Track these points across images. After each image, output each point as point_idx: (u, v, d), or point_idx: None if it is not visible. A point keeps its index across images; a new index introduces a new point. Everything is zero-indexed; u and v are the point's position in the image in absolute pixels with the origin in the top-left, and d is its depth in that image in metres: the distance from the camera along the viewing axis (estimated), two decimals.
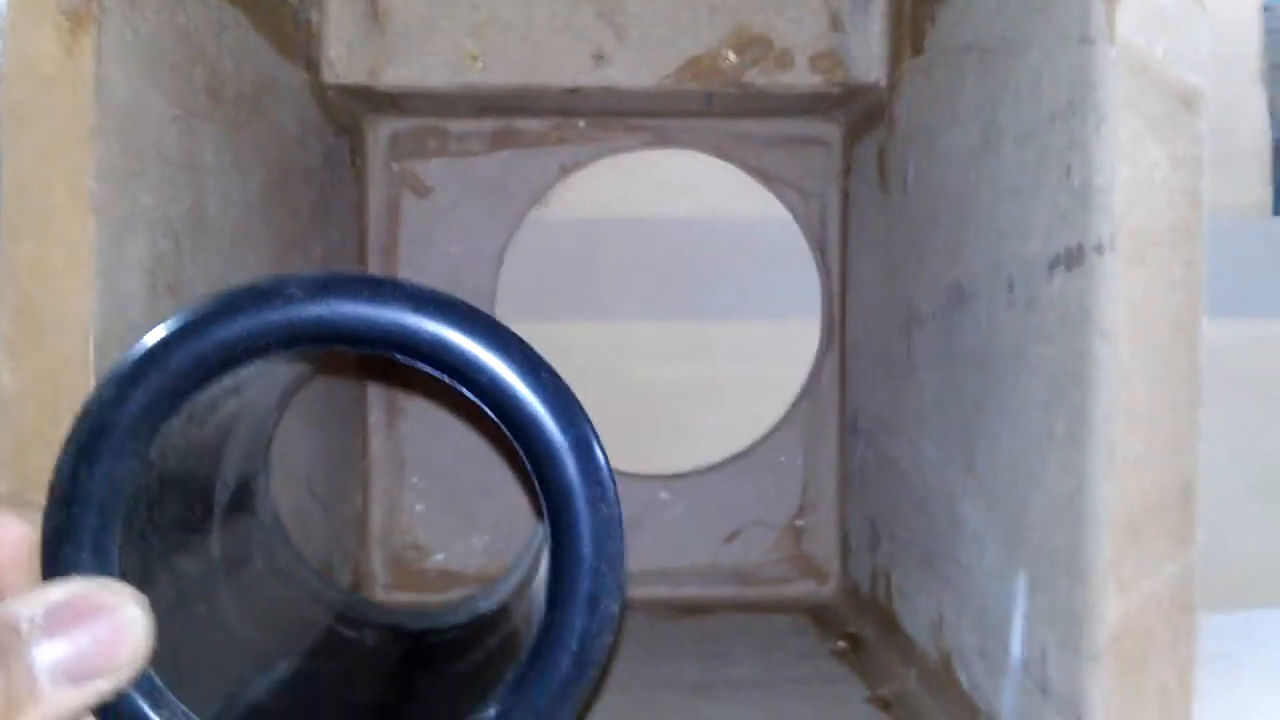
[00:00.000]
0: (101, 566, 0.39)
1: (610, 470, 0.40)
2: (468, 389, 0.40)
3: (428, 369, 0.40)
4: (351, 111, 0.84)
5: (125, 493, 0.39)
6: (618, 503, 0.40)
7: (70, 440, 0.39)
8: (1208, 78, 0.44)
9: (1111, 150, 0.44)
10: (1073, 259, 0.46)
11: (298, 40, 0.74)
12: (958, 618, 0.61)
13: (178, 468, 0.43)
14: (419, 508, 0.91)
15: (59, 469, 0.39)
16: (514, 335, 0.40)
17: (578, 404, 0.40)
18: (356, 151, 0.87)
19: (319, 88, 0.77)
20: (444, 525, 0.91)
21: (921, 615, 0.67)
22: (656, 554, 0.90)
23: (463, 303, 0.40)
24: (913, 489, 0.69)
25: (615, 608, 0.40)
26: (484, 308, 0.89)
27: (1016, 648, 0.52)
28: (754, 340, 0.90)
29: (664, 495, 0.90)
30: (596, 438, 0.40)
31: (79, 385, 0.46)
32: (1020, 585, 0.52)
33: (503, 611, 0.56)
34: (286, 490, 0.72)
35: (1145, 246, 0.43)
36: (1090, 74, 0.45)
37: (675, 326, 0.90)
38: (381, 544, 0.91)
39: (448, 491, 0.91)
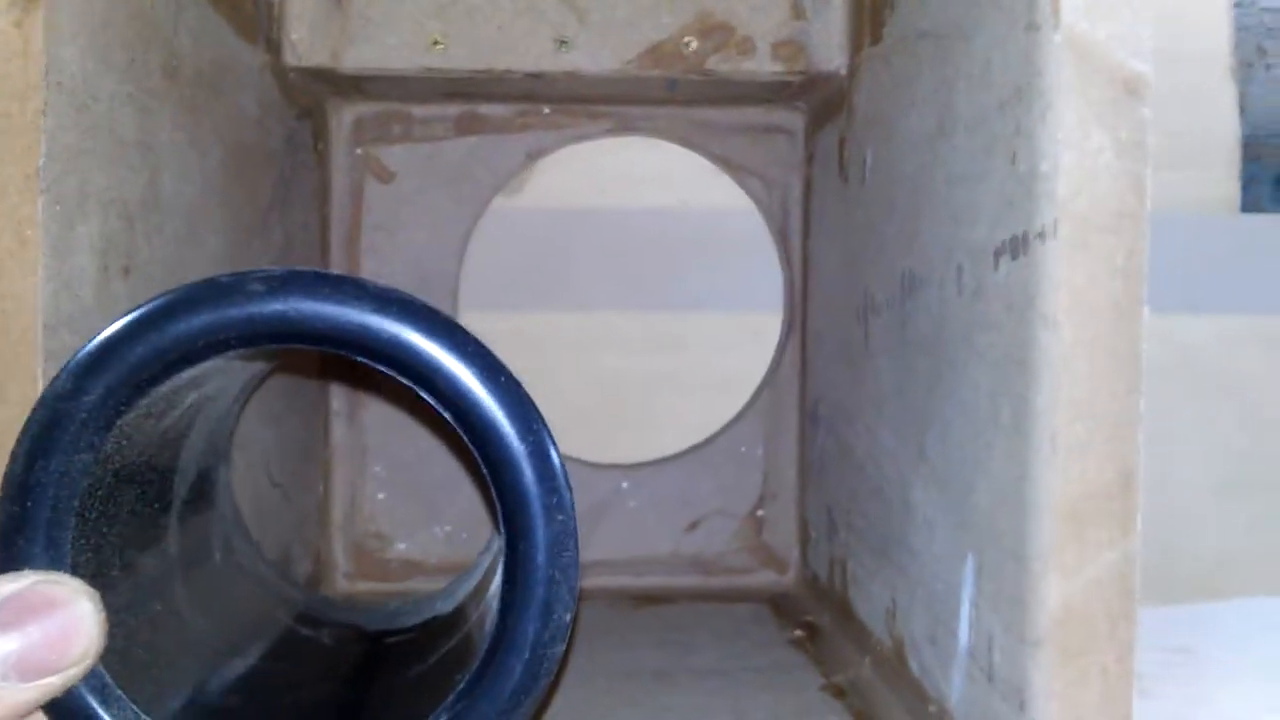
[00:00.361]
0: (55, 560, 0.39)
1: (567, 478, 0.40)
2: (426, 392, 0.40)
3: (387, 371, 0.40)
4: (314, 94, 0.84)
5: (80, 486, 0.39)
6: (573, 511, 0.40)
7: (25, 432, 0.39)
8: (1151, 64, 0.44)
9: (1055, 137, 0.44)
10: (1018, 246, 0.47)
11: (258, 21, 0.73)
12: (909, 604, 0.61)
13: (134, 460, 0.43)
14: (381, 496, 0.91)
15: (13, 461, 0.39)
16: (474, 339, 0.40)
17: (535, 410, 0.40)
18: (319, 135, 0.87)
19: (280, 69, 0.77)
20: (406, 514, 0.91)
21: (876, 602, 0.67)
22: (618, 543, 0.90)
23: (424, 304, 0.40)
24: (869, 476, 0.69)
25: (568, 617, 0.40)
26: (448, 296, 0.90)
27: (964, 634, 0.53)
28: (718, 331, 0.90)
29: (625, 485, 0.91)
30: (554, 445, 0.40)
31: (27, 366, 0.46)
32: (968, 570, 0.52)
33: (459, 614, 0.56)
34: (246, 478, 0.72)
35: (1088, 233, 0.44)
36: (1036, 60, 0.45)
37: (639, 317, 0.90)
38: (343, 532, 0.90)
39: (410, 480, 0.91)
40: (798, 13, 0.78)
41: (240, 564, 0.57)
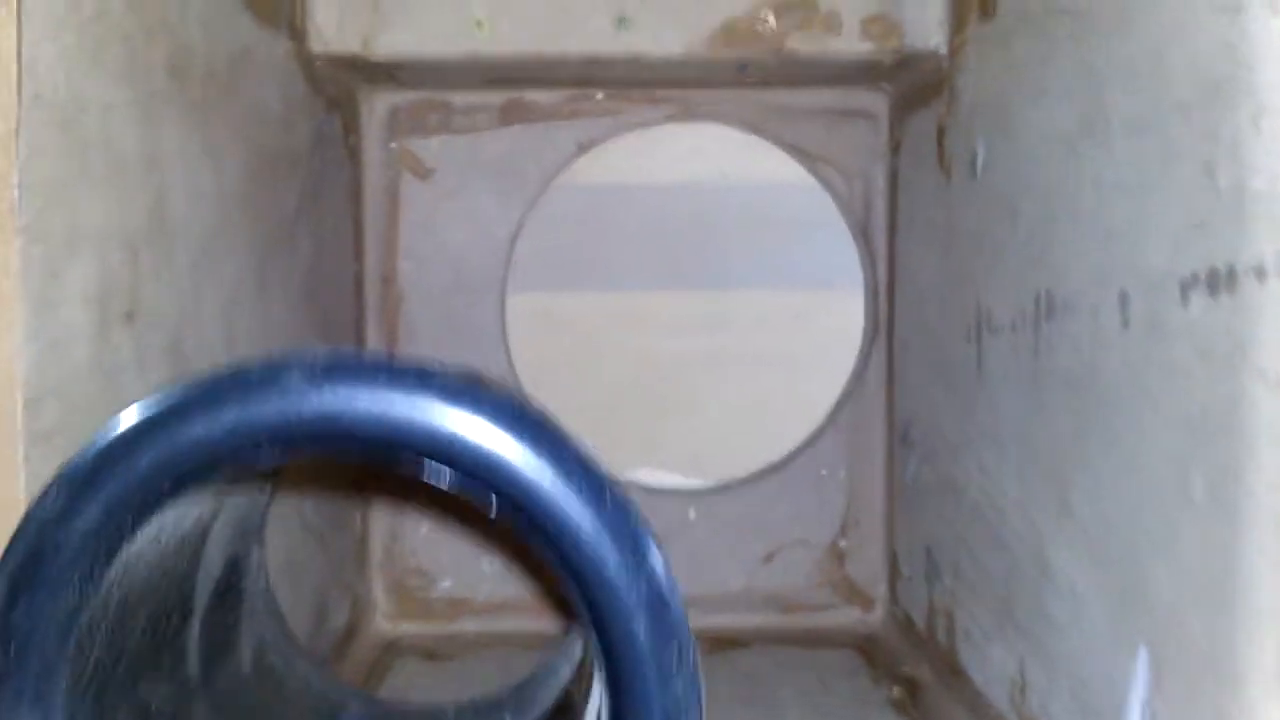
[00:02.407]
0: (45, 717, 0.31)
1: (689, 630, 0.32)
2: (510, 513, 0.31)
3: (458, 485, 0.32)
4: (343, 84, 0.75)
5: (76, 625, 0.31)
6: (697, 669, 0.32)
7: (6, 563, 0.31)
8: None
9: (1275, 148, 0.35)
10: (1218, 281, 0.38)
11: (279, 5, 0.65)
12: (1046, 683, 0.52)
13: (146, 577, 0.35)
14: (423, 530, 0.82)
15: None
16: (576, 447, 0.31)
17: (651, 541, 0.31)
18: (350, 129, 0.78)
19: (305, 58, 0.68)
20: (450, 549, 0.82)
21: (996, 668, 0.59)
22: (686, 578, 0.80)
23: (510, 398, 0.32)
24: (985, 520, 0.60)
25: None
26: (494, 301, 0.81)
27: None
28: (788, 329, 0.81)
29: (692, 514, 0.82)
30: (675, 588, 0.32)
31: (5, 449, 0.37)
32: (1139, 667, 0.43)
33: None
34: (277, 530, 0.63)
35: None
36: (1241, 51, 0.36)
37: (699, 304, 0.81)
38: (383, 571, 0.82)
39: (454, 512, 0.82)
40: None
41: (275, 670, 0.49)
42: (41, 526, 0.31)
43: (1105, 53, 0.46)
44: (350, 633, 0.78)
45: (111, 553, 0.31)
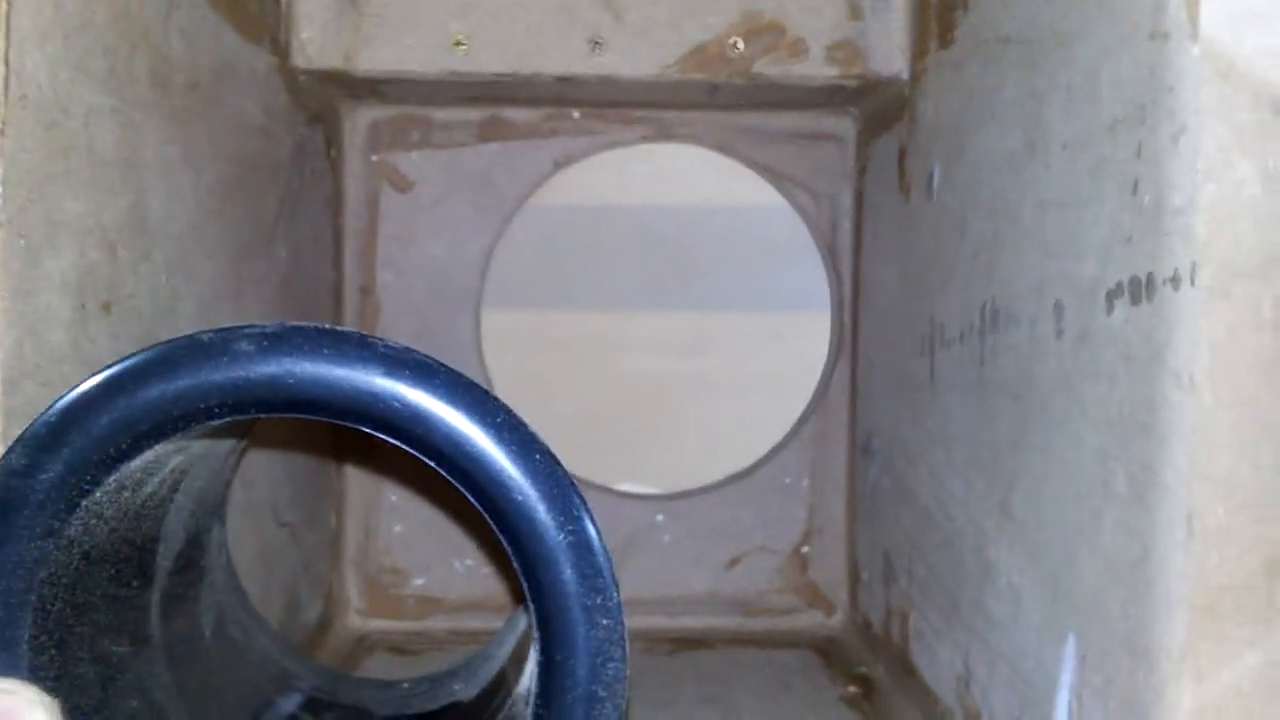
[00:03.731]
0: (7, 664, 0.33)
1: (613, 575, 0.34)
2: (445, 469, 0.34)
3: (399, 443, 0.34)
4: (326, 99, 0.78)
5: (37, 577, 0.33)
6: (621, 614, 0.34)
7: None
8: None
9: (1193, 166, 0.37)
10: (1140, 290, 0.40)
11: (263, 20, 0.67)
12: (988, 675, 0.54)
13: (107, 538, 0.37)
14: (397, 529, 0.84)
15: None
16: (504, 408, 0.34)
17: (576, 493, 0.34)
18: (332, 143, 0.80)
19: (288, 72, 0.71)
20: (423, 547, 0.84)
21: (944, 665, 0.61)
22: (652, 581, 0.83)
23: (444, 367, 0.34)
24: (935, 524, 0.62)
25: None
26: (469, 313, 0.84)
27: None
28: (760, 349, 0.83)
29: (660, 518, 0.84)
30: (598, 533, 0.34)
31: None
32: (1068, 654, 0.45)
33: (483, 703, 0.50)
34: (249, 521, 0.65)
35: (1231, 279, 0.37)
36: (1164, 75, 0.39)
37: (671, 325, 0.83)
38: (356, 567, 0.84)
39: (428, 511, 0.84)
40: (854, 12, 0.71)
41: (234, 640, 0.51)
42: (5, 480, 0.33)
43: (1047, 76, 0.49)
44: (322, 627, 0.79)
45: (72, 507, 0.33)
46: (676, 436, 0.84)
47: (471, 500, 0.34)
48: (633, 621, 0.81)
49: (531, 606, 0.34)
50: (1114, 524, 0.42)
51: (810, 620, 0.84)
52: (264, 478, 0.68)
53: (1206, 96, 0.37)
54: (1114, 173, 0.42)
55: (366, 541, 0.84)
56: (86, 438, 0.33)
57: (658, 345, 0.83)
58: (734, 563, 0.84)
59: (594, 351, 0.83)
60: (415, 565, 0.84)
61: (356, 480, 0.84)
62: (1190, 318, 0.37)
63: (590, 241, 0.83)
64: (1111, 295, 0.42)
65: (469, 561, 0.84)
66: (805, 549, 0.84)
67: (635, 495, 0.84)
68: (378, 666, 0.77)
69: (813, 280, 0.83)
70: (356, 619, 0.84)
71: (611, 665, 0.34)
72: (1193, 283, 0.37)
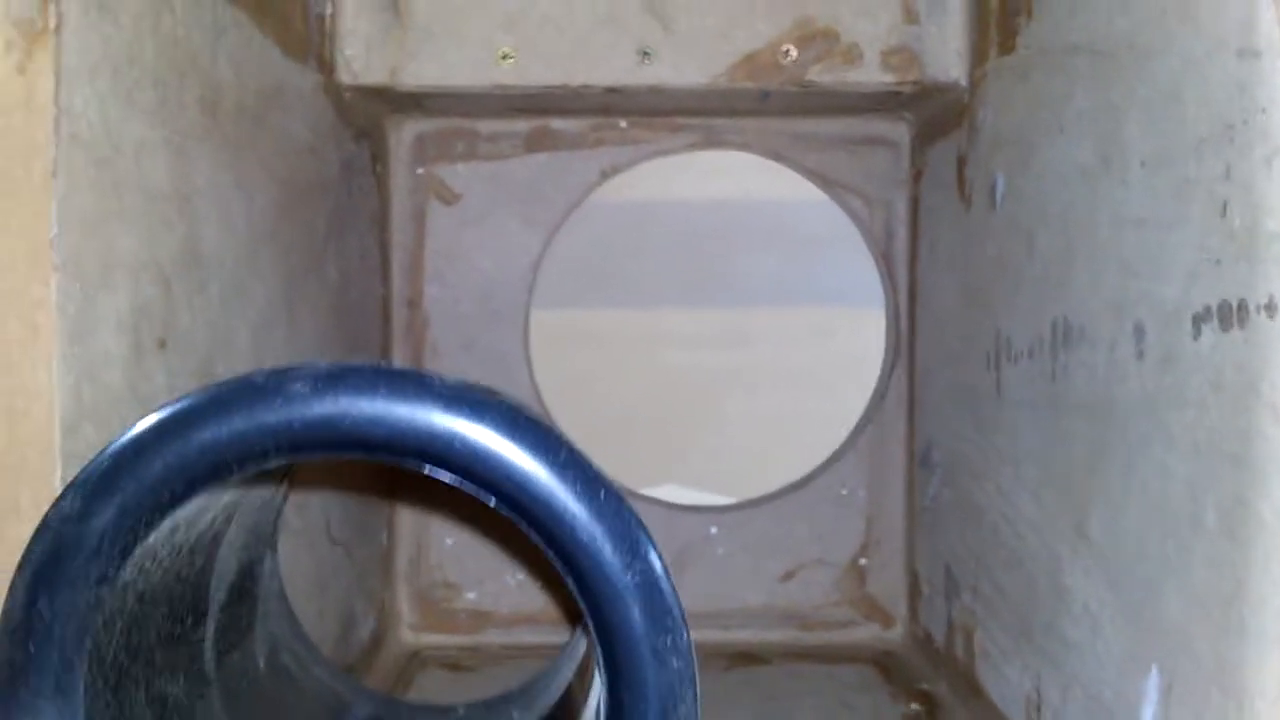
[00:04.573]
0: (64, 711, 0.32)
1: (683, 614, 0.33)
2: (507, 507, 0.33)
3: (459, 482, 0.33)
4: (371, 114, 0.77)
5: (93, 622, 0.32)
6: (691, 654, 0.33)
7: (26, 561, 0.32)
8: None
9: None
10: (1230, 315, 0.38)
11: (309, 39, 0.66)
12: (1061, 700, 0.53)
13: (161, 578, 0.36)
14: (449, 542, 0.83)
15: (12, 595, 0.32)
16: (567, 444, 0.33)
17: (644, 531, 0.33)
18: (378, 157, 0.79)
19: (334, 89, 0.70)
20: (475, 562, 0.83)
21: (1013, 686, 0.59)
22: (706, 594, 0.82)
23: (504, 403, 0.33)
24: (1003, 542, 0.61)
25: None
26: (517, 324, 0.82)
27: None
28: (811, 360, 0.82)
29: (713, 530, 0.83)
30: (666, 573, 0.33)
31: (44, 472, 0.38)
32: (1151, 686, 0.44)
33: None
34: (303, 542, 0.65)
35: None
36: (1256, 94, 0.37)
37: (721, 318, 0.82)
38: (408, 582, 0.83)
39: (479, 525, 0.83)
40: (910, 17, 0.69)
41: (289, 670, 0.50)
42: (60, 526, 0.32)
43: (1123, 90, 0.47)
44: (375, 643, 0.79)
45: (126, 552, 0.33)
46: (729, 438, 0.83)
47: (535, 540, 0.33)
48: None
49: (599, 648, 0.33)
50: (1204, 558, 0.40)
51: (868, 634, 0.82)
52: (316, 499, 0.68)
53: None
54: (1200, 193, 0.40)
55: (418, 556, 0.83)
56: (140, 483, 0.33)
57: (705, 343, 0.83)
58: (789, 575, 0.83)
59: (642, 351, 0.82)
60: (467, 580, 0.84)
61: (407, 496, 0.83)
62: None
63: (639, 245, 0.82)
64: (1199, 319, 0.40)
65: (520, 576, 0.84)
66: (863, 561, 0.83)
67: (688, 507, 0.82)
68: (431, 683, 0.76)
69: (864, 277, 0.82)
70: (409, 634, 0.83)
71: (682, 707, 0.33)
72: None
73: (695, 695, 0.33)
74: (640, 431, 0.83)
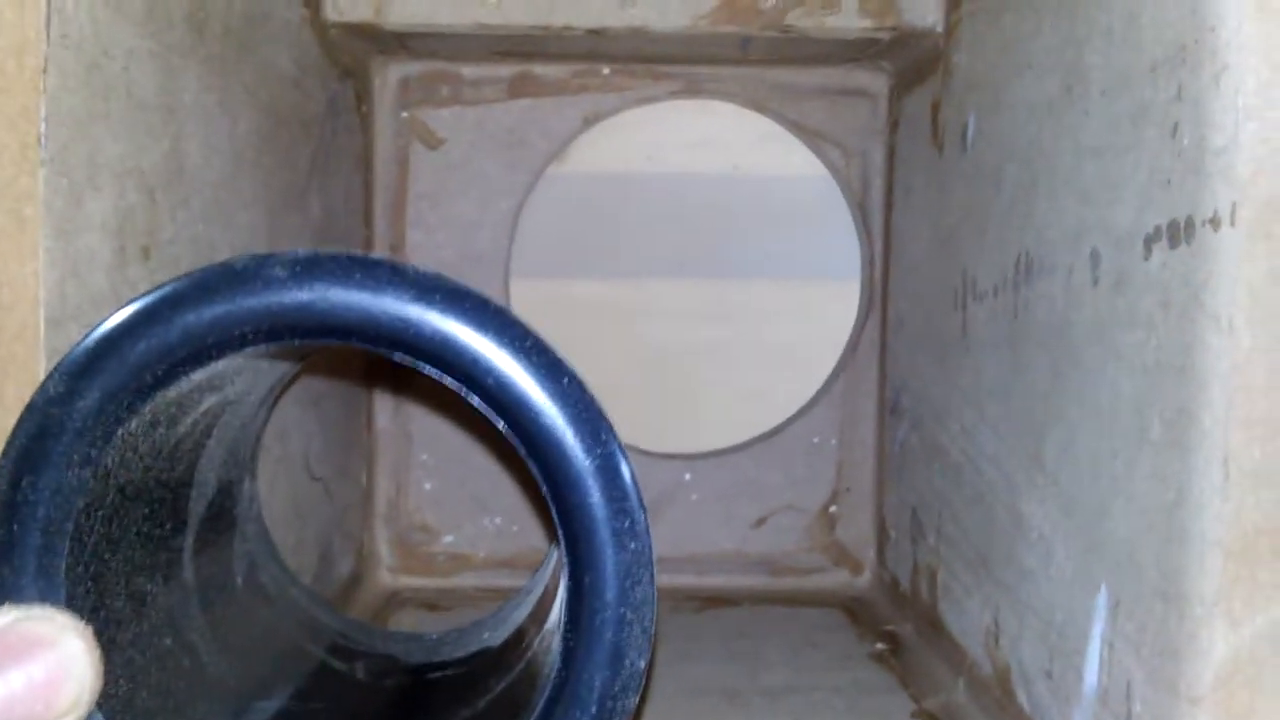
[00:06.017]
0: (46, 592, 0.33)
1: (640, 498, 0.34)
2: (477, 396, 0.34)
3: (430, 371, 0.34)
4: (356, 53, 0.78)
5: (75, 506, 0.33)
6: (648, 537, 0.34)
7: (11, 442, 0.33)
8: None
9: (1234, 104, 0.37)
10: (1179, 233, 0.40)
11: None
12: (1018, 628, 0.54)
13: (142, 475, 0.37)
14: (427, 486, 0.85)
15: None
16: (532, 333, 0.34)
17: (604, 418, 0.34)
18: (362, 98, 0.80)
19: (320, 25, 0.71)
20: (454, 505, 0.85)
21: (973, 620, 0.61)
22: (679, 540, 0.83)
23: (473, 292, 0.34)
24: (966, 480, 0.62)
25: (642, 663, 0.34)
26: (499, 271, 0.84)
27: (1092, 674, 0.46)
28: (789, 307, 0.83)
29: (687, 477, 0.84)
30: (625, 459, 0.34)
31: (28, 367, 0.40)
32: (1100, 604, 0.45)
33: (511, 646, 0.50)
34: (283, 473, 0.66)
35: (1272, 219, 0.37)
36: (1206, 14, 0.38)
37: (702, 287, 0.83)
38: (387, 524, 0.85)
39: (458, 468, 0.84)
40: None
41: (265, 587, 0.51)
42: (45, 408, 0.33)
43: (1086, 21, 0.48)
44: (354, 582, 0.80)
45: (109, 435, 0.33)
46: (703, 401, 0.84)
47: (499, 424, 0.34)
48: (660, 580, 0.81)
49: (560, 531, 0.34)
50: (1149, 471, 0.41)
51: (837, 579, 0.84)
52: (297, 431, 0.69)
53: (1248, 34, 0.37)
54: (1154, 116, 0.42)
55: (397, 498, 0.85)
56: (123, 365, 0.34)
57: (684, 313, 0.83)
58: (761, 522, 0.85)
59: (620, 319, 0.83)
60: (445, 523, 0.85)
61: (387, 437, 0.84)
62: (1229, 259, 0.37)
63: (617, 208, 0.83)
64: (1150, 240, 0.42)
65: (498, 520, 0.85)
66: (833, 508, 0.84)
67: (662, 455, 0.84)
68: (409, 622, 0.78)
69: (843, 245, 0.83)
70: (387, 575, 0.84)
71: (639, 588, 0.34)
72: (1232, 223, 0.37)
73: (652, 577, 0.34)
74: (616, 395, 0.84)
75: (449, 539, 0.85)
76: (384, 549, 0.85)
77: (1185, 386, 0.39)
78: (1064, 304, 0.50)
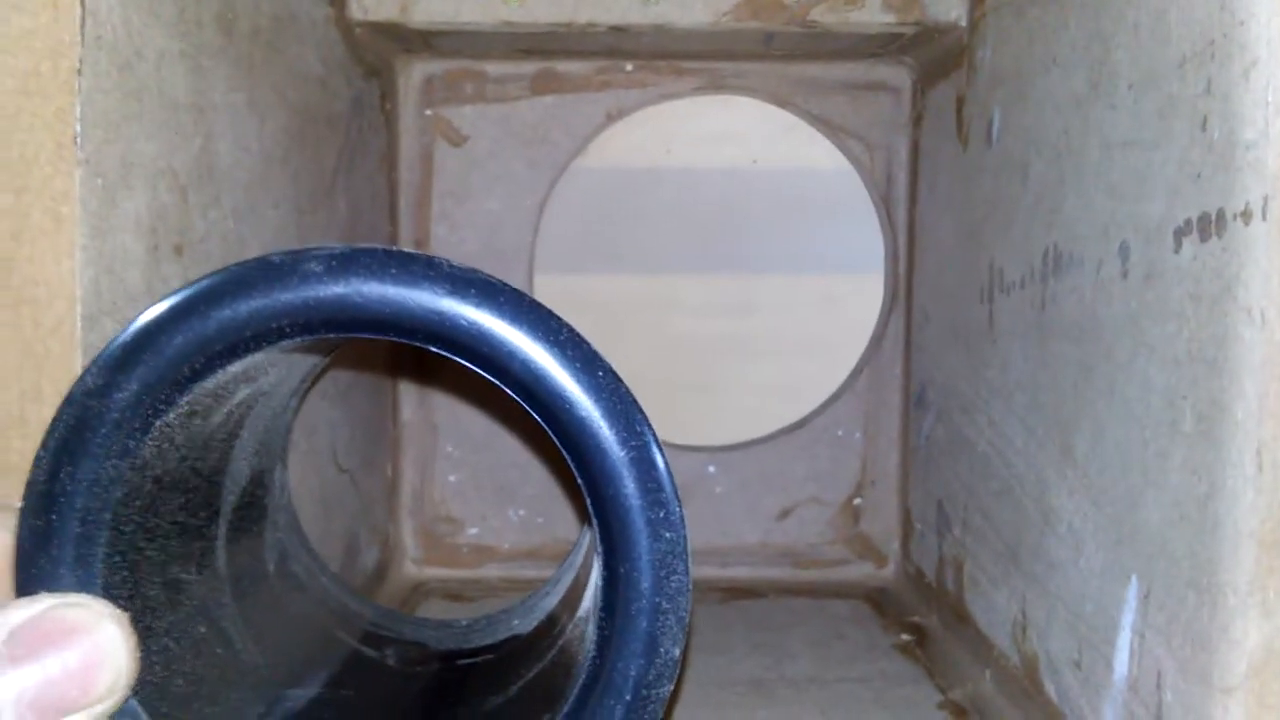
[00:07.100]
0: (83, 581, 0.34)
1: (675, 489, 0.34)
2: (511, 388, 0.34)
3: (466, 364, 0.34)
4: (381, 51, 0.78)
5: (113, 496, 0.34)
6: (684, 527, 0.34)
7: (51, 434, 0.34)
8: None
9: (1265, 99, 0.37)
10: (1209, 226, 0.40)
11: None
12: (1046, 620, 0.55)
13: (177, 465, 0.38)
14: (452, 478, 0.85)
15: (37, 467, 0.33)
16: (567, 326, 0.34)
17: (639, 410, 0.34)
18: (387, 96, 0.81)
19: (345, 24, 0.71)
20: (478, 497, 0.85)
21: (1000, 612, 0.61)
22: (704, 531, 0.84)
23: (507, 287, 0.34)
24: (993, 473, 0.63)
25: (677, 652, 0.34)
26: (523, 266, 0.84)
27: (1122, 665, 0.46)
28: (809, 298, 0.83)
29: (712, 469, 0.84)
30: (660, 451, 0.34)
31: (65, 362, 0.40)
32: (1131, 594, 0.45)
33: (543, 633, 0.51)
34: (311, 465, 0.66)
35: None
36: (1235, 9, 0.38)
37: (729, 282, 0.83)
38: (412, 516, 0.85)
39: (482, 461, 0.85)
40: None
41: (297, 576, 0.52)
42: (83, 400, 0.33)
43: (1113, 15, 0.48)
44: (379, 573, 0.81)
45: (146, 427, 0.34)
46: (728, 394, 0.84)
47: (535, 417, 0.34)
48: None
49: (595, 521, 0.34)
50: (1181, 462, 0.42)
51: (861, 572, 0.84)
52: (323, 423, 0.69)
53: (1278, 28, 0.37)
54: (1183, 110, 0.42)
55: (423, 490, 0.85)
56: (160, 357, 0.34)
57: (708, 307, 0.84)
58: (785, 514, 0.85)
59: (645, 313, 0.84)
60: (470, 515, 0.85)
61: (413, 429, 0.85)
62: (1261, 252, 0.37)
63: (641, 203, 0.83)
64: (1180, 233, 0.42)
65: (523, 511, 0.85)
66: (857, 501, 0.85)
67: (687, 447, 0.84)
68: (434, 613, 0.78)
69: (867, 238, 0.83)
70: (412, 567, 0.85)
71: (675, 578, 0.34)
72: (1264, 216, 0.37)
73: (687, 567, 0.35)
74: (640, 391, 0.84)
75: (473, 530, 0.85)
76: (409, 540, 0.85)
77: (1217, 378, 0.39)
78: (1093, 296, 0.50)
